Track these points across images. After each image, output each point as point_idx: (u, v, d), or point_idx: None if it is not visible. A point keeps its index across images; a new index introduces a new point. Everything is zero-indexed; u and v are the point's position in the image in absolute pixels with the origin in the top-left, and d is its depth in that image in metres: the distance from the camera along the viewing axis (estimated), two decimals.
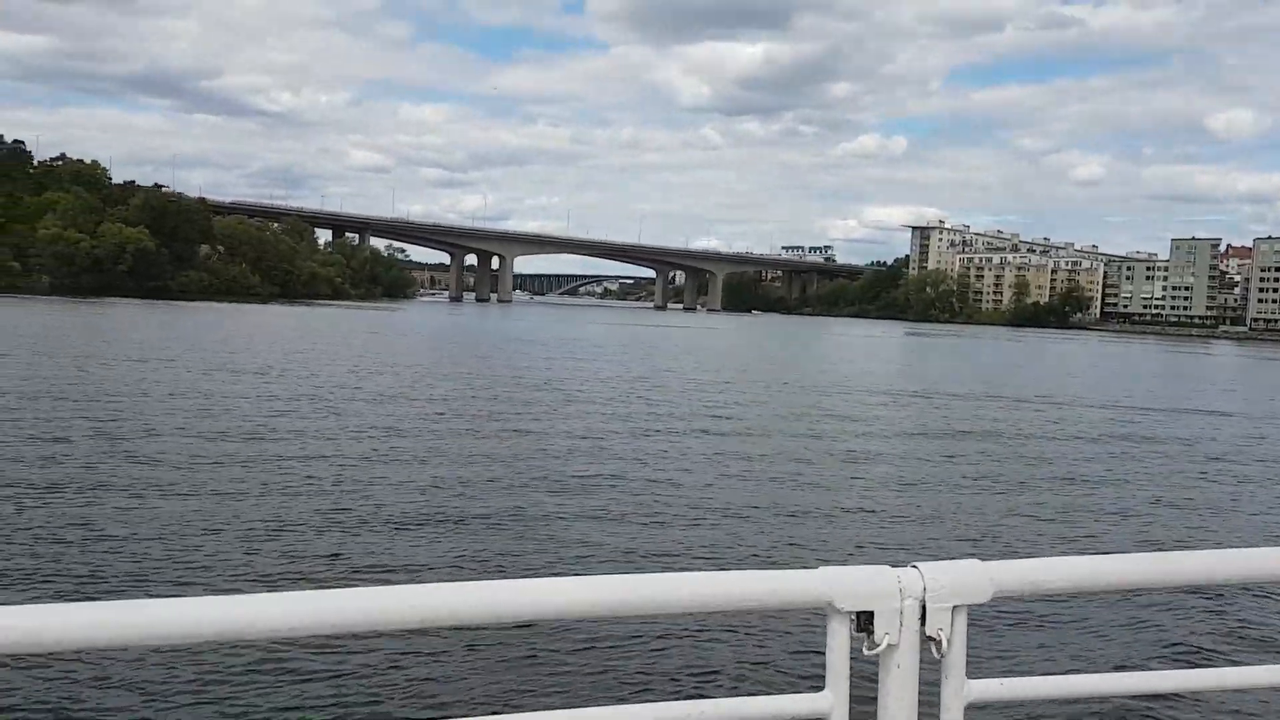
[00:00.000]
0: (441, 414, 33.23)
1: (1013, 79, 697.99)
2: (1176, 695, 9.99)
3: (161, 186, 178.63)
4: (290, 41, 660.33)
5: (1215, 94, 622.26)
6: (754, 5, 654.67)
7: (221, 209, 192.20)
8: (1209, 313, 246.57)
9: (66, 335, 64.16)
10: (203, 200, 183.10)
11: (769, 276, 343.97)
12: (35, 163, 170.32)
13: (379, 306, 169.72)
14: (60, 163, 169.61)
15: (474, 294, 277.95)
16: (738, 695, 2.28)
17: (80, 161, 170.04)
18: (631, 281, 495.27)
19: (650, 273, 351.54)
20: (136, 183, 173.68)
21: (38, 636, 1.80)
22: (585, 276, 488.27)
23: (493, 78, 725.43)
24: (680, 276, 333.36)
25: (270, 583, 13.68)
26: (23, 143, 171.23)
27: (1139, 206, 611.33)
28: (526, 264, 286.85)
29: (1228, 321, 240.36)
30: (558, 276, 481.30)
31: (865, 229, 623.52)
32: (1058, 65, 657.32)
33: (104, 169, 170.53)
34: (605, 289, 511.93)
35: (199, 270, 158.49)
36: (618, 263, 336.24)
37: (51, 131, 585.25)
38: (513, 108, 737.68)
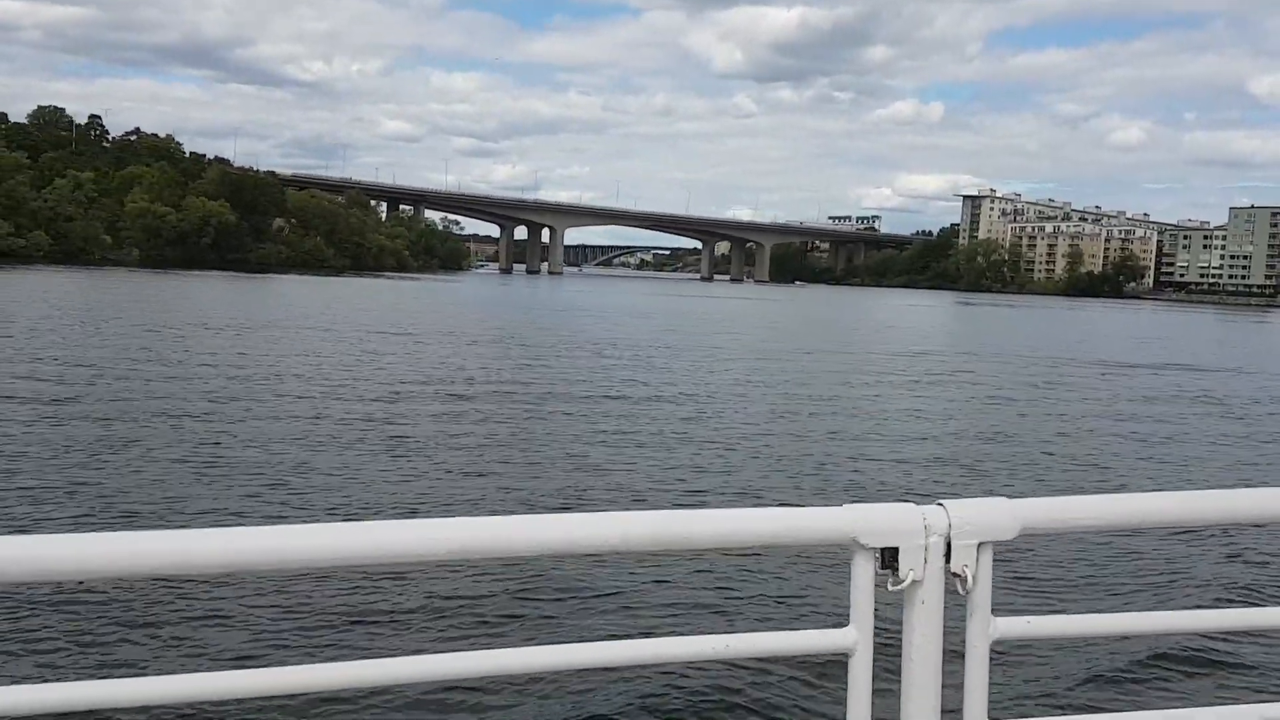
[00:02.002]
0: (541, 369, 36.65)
1: (1052, 42, 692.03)
2: (1203, 634, 9.96)
3: (225, 160, 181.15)
4: (322, 10, 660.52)
5: (1259, 57, 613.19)
6: None
7: (285, 181, 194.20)
8: (1268, 282, 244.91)
9: (235, 307, 66.47)
10: (273, 174, 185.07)
11: (813, 247, 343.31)
12: (111, 137, 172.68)
13: (443, 278, 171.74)
14: (135, 137, 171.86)
15: (524, 266, 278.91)
16: (763, 630, 2.39)
17: (155, 136, 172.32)
18: (667, 252, 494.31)
19: (687, 243, 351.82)
20: (207, 156, 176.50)
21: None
22: (618, 247, 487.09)
23: (524, 45, 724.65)
24: (722, 247, 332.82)
25: (340, 511, 14.89)
26: (99, 117, 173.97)
27: (1179, 172, 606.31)
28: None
29: None
30: (590, 247, 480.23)
31: (900, 197, 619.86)
32: (1098, 28, 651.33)
33: (178, 143, 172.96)
34: (641, 260, 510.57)
35: (276, 243, 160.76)
36: (652, 233, 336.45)
37: (88, 102, 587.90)
38: (544, 76, 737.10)
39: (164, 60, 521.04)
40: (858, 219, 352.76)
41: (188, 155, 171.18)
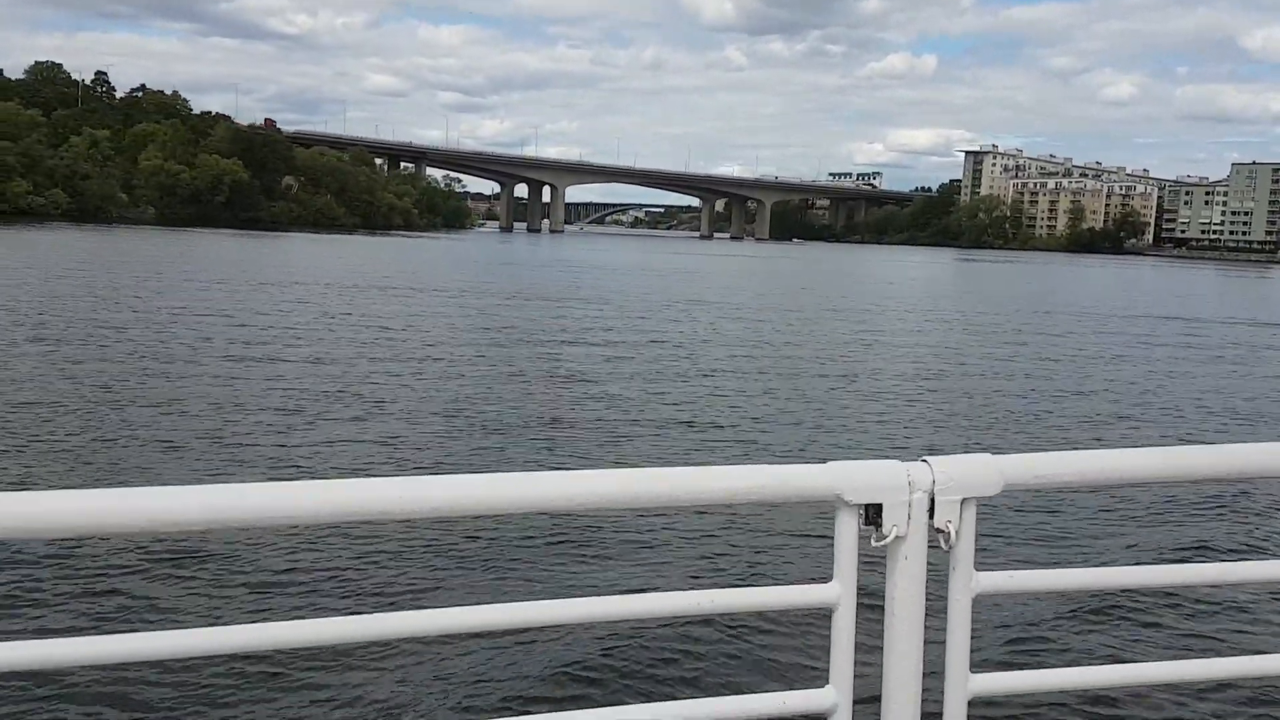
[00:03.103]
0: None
1: None
2: (1183, 589, 10.02)
3: (226, 116, 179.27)
4: None
5: (1250, 10, 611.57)
6: None
7: (290, 139, 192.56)
8: (1269, 238, 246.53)
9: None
10: (278, 130, 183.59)
11: (812, 204, 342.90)
12: (116, 94, 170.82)
13: (453, 237, 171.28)
14: (141, 94, 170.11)
15: (524, 224, 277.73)
16: (748, 586, 2.26)
17: (161, 93, 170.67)
18: (661, 210, 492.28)
19: (679, 200, 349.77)
20: (212, 112, 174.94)
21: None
22: (609, 205, 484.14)
23: None
24: (719, 204, 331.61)
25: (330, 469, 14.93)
26: (105, 74, 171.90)
27: (1169, 127, 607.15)
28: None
29: None
30: (581, 205, 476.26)
31: (892, 152, 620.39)
32: None
33: (184, 100, 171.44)
34: (635, 218, 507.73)
35: (287, 201, 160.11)
36: (644, 190, 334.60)
37: (72, 57, 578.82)
38: (532, 28, 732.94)
39: (145, 13, 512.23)
40: (858, 176, 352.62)
41: (194, 112, 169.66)
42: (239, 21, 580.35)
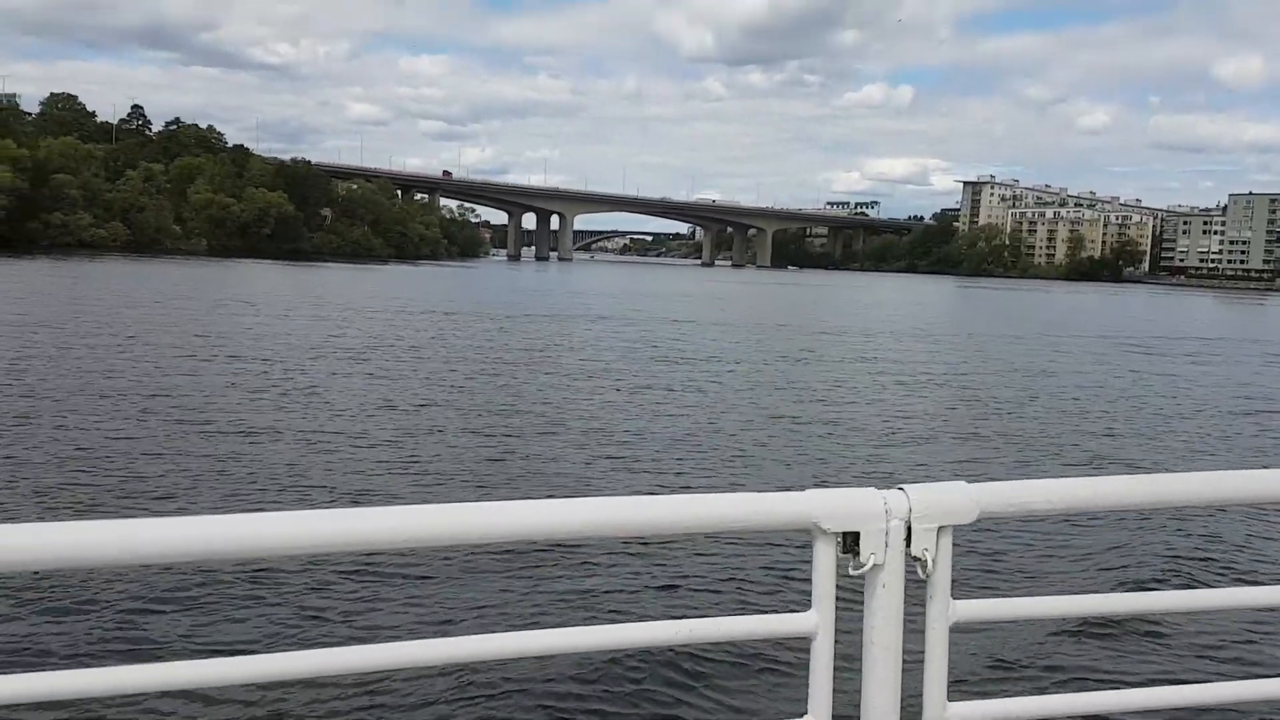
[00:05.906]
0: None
1: (1022, 26, 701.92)
2: (1160, 616, 10.06)
3: (245, 148, 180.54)
4: None
5: (1223, 40, 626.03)
6: None
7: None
8: (1266, 266, 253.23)
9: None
10: (306, 162, 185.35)
11: (810, 233, 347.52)
12: (152, 129, 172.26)
13: (475, 265, 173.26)
14: (176, 127, 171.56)
15: (532, 251, 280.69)
16: (726, 615, 2.65)
17: (196, 126, 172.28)
18: (650, 238, 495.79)
19: (669, 227, 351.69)
20: (244, 146, 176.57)
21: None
22: (596, 232, 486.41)
23: (493, 28, 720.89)
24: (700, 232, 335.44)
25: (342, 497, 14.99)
26: (141, 108, 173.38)
27: (1141, 156, 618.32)
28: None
29: None
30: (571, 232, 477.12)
31: (869, 181, 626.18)
32: (1068, 13, 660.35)
33: (219, 134, 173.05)
34: (624, 245, 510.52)
35: (325, 232, 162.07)
36: (634, 217, 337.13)
37: (52, 85, 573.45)
38: (513, 59, 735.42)
39: (126, 42, 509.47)
40: (855, 205, 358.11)
41: (229, 146, 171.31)
42: (220, 51, 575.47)
